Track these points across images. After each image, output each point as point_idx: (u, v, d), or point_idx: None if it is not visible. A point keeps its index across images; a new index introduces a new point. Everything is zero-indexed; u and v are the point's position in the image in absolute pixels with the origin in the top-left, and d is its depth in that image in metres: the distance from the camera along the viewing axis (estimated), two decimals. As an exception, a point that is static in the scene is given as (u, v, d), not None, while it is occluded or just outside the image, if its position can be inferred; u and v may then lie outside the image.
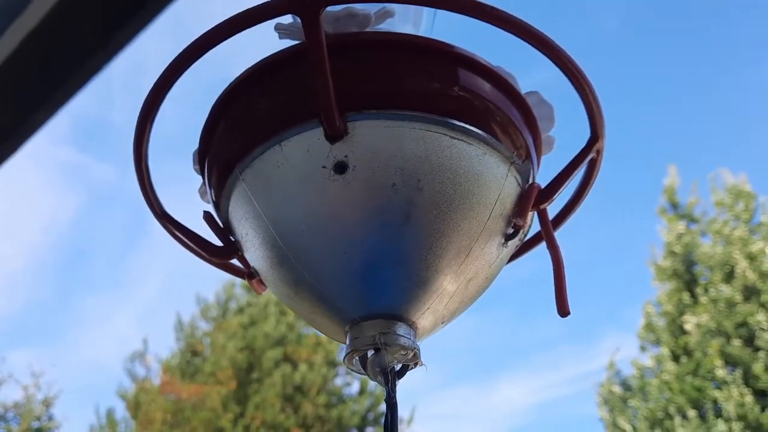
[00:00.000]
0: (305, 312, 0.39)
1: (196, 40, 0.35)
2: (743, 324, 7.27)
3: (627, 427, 7.63)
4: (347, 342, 0.36)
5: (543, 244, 0.40)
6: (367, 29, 0.36)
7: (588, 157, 0.40)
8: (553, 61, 0.37)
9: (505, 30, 0.35)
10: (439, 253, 0.35)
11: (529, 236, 0.43)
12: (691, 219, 8.16)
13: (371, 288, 0.36)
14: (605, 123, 0.40)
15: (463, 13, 0.34)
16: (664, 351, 7.63)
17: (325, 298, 0.37)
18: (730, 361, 7.20)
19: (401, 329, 0.36)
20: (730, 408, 6.85)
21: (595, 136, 0.40)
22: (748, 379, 7.07)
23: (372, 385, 8.68)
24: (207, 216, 0.41)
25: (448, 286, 0.36)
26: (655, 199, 8.47)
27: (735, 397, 6.83)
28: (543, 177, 0.41)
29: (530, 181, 0.39)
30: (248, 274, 0.42)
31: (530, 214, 0.39)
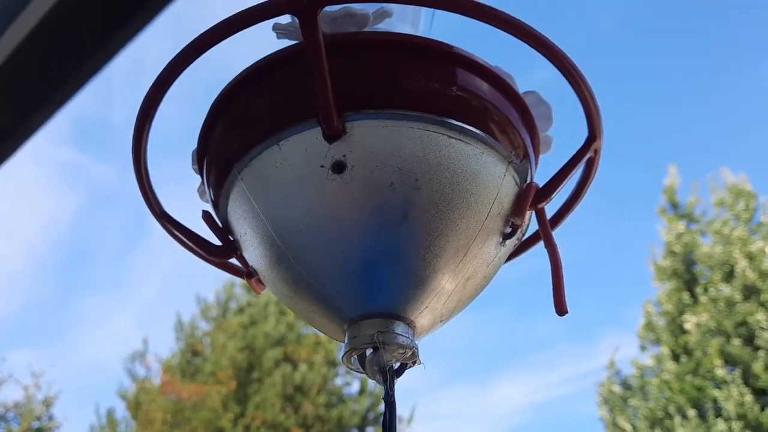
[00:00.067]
0: (304, 311, 0.39)
1: (195, 39, 0.35)
2: (743, 323, 7.27)
3: (627, 426, 7.63)
4: (346, 341, 0.37)
5: (541, 243, 0.40)
6: (365, 29, 0.36)
7: (586, 157, 0.40)
8: (550, 61, 0.37)
9: (503, 30, 0.35)
10: (437, 252, 0.35)
11: (527, 235, 0.43)
12: (691, 219, 8.16)
13: (369, 287, 0.36)
14: (603, 122, 0.40)
15: (462, 14, 0.34)
16: (664, 350, 7.64)
17: (324, 297, 0.37)
18: (729, 361, 7.20)
19: (399, 328, 0.36)
20: (729, 407, 6.85)
21: (593, 136, 0.40)
22: (748, 378, 7.07)
23: (372, 384, 8.69)
24: (206, 215, 0.41)
25: (446, 285, 0.36)
26: (655, 198, 8.48)
27: (735, 397, 6.84)
28: (541, 176, 0.41)
29: (528, 180, 0.39)
30: (247, 273, 0.42)
31: (528, 213, 0.39)
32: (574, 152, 0.40)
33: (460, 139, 0.35)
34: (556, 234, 0.42)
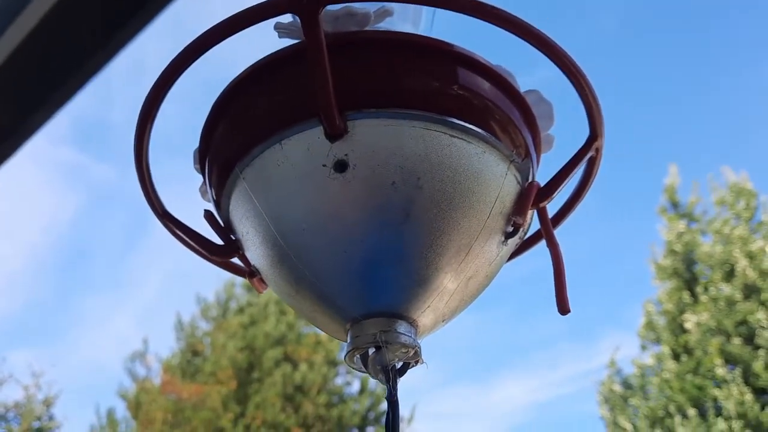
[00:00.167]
0: (306, 310, 0.39)
1: (196, 39, 0.35)
2: (743, 322, 7.27)
3: (628, 425, 7.63)
4: (348, 340, 0.37)
5: (543, 242, 0.40)
6: (366, 28, 0.36)
7: (587, 156, 0.40)
8: (552, 60, 0.37)
9: (505, 29, 0.35)
10: (439, 252, 0.35)
11: (528, 234, 0.43)
12: (691, 218, 8.16)
13: (372, 286, 0.36)
14: (604, 121, 0.40)
15: (464, 13, 0.34)
16: (665, 349, 7.64)
17: (326, 296, 0.37)
18: (730, 360, 7.20)
19: (402, 327, 0.36)
20: (730, 406, 6.85)
21: (594, 135, 0.40)
22: (748, 377, 7.07)
23: (372, 384, 8.68)
24: (208, 215, 0.41)
25: (448, 285, 0.36)
26: (656, 198, 8.48)
27: (735, 396, 6.84)
28: (542, 175, 0.41)
29: (530, 179, 0.39)
30: (249, 272, 0.42)
31: (530, 212, 0.39)
32: (576, 151, 0.40)
33: (461, 138, 0.35)
34: (557, 233, 0.42)
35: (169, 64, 0.36)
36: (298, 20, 0.34)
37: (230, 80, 0.38)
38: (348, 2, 0.34)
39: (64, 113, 1.16)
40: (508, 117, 0.37)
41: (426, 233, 0.35)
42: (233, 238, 0.40)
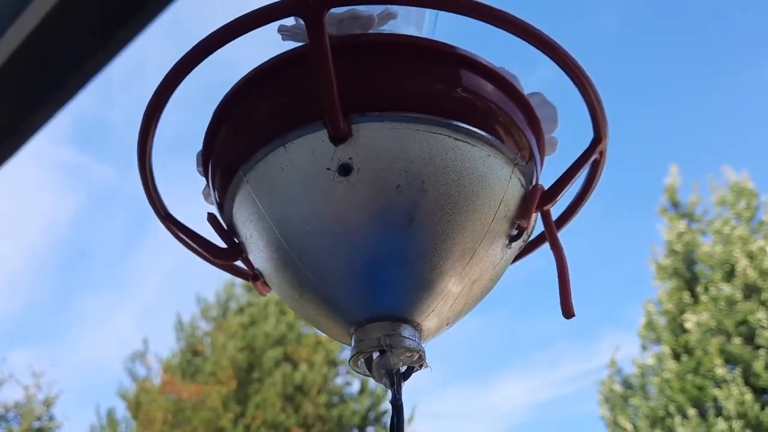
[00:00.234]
0: (310, 314, 0.39)
1: (199, 43, 0.35)
2: (743, 322, 7.27)
3: (628, 425, 7.63)
4: (352, 344, 0.36)
5: (546, 245, 0.40)
6: (370, 31, 0.36)
7: (591, 159, 0.40)
8: (556, 62, 0.37)
9: (508, 31, 0.35)
10: (443, 255, 0.35)
11: (532, 237, 0.43)
12: (691, 218, 8.16)
13: (376, 290, 0.36)
14: (608, 124, 0.40)
15: (469, 15, 0.34)
16: (665, 349, 7.64)
17: (330, 300, 0.36)
18: (730, 360, 7.20)
19: (406, 331, 0.36)
20: (730, 406, 6.85)
21: (598, 138, 0.40)
22: (749, 377, 7.07)
23: (372, 384, 8.68)
24: (211, 218, 0.41)
25: (452, 288, 0.36)
26: (656, 198, 8.48)
27: (735, 396, 6.84)
28: (546, 177, 0.41)
29: (534, 182, 0.39)
30: (253, 275, 0.42)
31: (534, 215, 0.39)
32: (580, 154, 0.40)
33: (466, 142, 0.35)
34: (560, 235, 0.42)
35: (173, 68, 0.36)
36: (302, 23, 0.34)
37: (233, 83, 0.38)
38: (352, 5, 0.34)
39: (64, 113, 1.16)
40: (512, 120, 0.37)
41: (430, 237, 0.35)
42: (236, 241, 0.40)
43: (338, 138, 0.34)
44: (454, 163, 0.35)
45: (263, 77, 0.37)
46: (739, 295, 7.32)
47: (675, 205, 8.25)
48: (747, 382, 7.06)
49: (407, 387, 0.37)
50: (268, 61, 0.36)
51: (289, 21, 0.36)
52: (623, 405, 7.84)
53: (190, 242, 0.42)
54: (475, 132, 0.35)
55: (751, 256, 7.38)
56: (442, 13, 0.41)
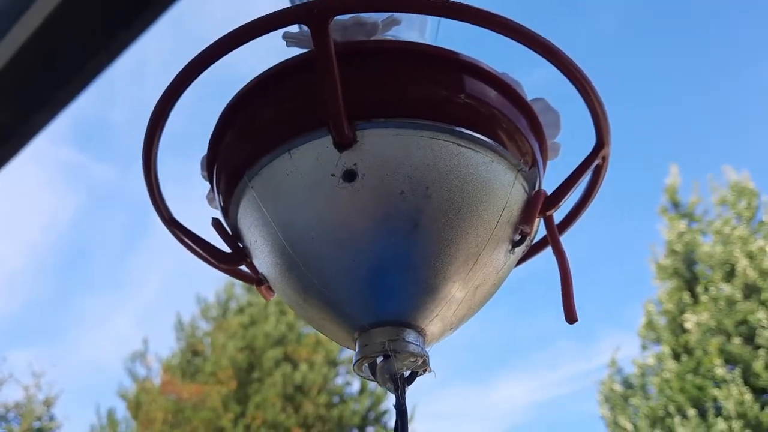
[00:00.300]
0: (314, 319, 0.39)
1: (204, 50, 0.35)
2: (743, 322, 7.27)
3: (628, 425, 7.63)
4: (357, 349, 0.37)
5: (549, 249, 0.40)
6: (374, 37, 0.37)
7: (594, 164, 0.40)
8: (559, 68, 0.37)
9: (512, 38, 0.35)
10: (447, 261, 0.35)
11: (534, 241, 0.43)
12: (692, 218, 8.16)
13: (380, 295, 0.36)
14: (611, 130, 0.40)
15: (472, 23, 0.34)
16: (665, 349, 7.64)
17: (335, 304, 0.37)
18: (730, 360, 7.20)
19: (410, 336, 0.36)
20: (729, 406, 6.85)
21: (601, 143, 0.40)
22: (748, 377, 7.07)
23: (372, 384, 8.68)
24: (215, 223, 0.41)
25: (456, 293, 0.36)
26: (657, 198, 8.49)
27: (735, 396, 6.84)
28: (548, 181, 0.42)
29: (537, 187, 0.39)
30: (257, 280, 0.42)
31: (537, 220, 0.39)
32: (582, 159, 0.40)
33: (470, 148, 0.35)
34: (562, 238, 0.42)
35: (177, 76, 0.36)
36: (307, 29, 0.34)
37: (239, 88, 0.38)
38: (357, 12, 0.34)
39: (64, 113, 1.16)
40: (515, 126, 0.37)
41: (434, 242, 0.35)
42: (241, 246, 0.41)
43: (343, 144, 0.34)
44: (458, 169, 0.35)
45: (268, 83, 0.37)
46: (739, 295, 7.32)
47: (675, 205, 8.25)
48: (747, 382, 7.06)
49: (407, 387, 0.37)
50: (273, 67, 0.37)
51: (294, 27, 0.37)
52: (623, 405, 7.84)
53: (194, 247, 0.42)
54: (478, 138, 0.35)
55: (751, 256, 7.38)
56: (444, 18, 0.41)
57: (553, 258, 0.39)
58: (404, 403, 0.35)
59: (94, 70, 1.08)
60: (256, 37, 0.34)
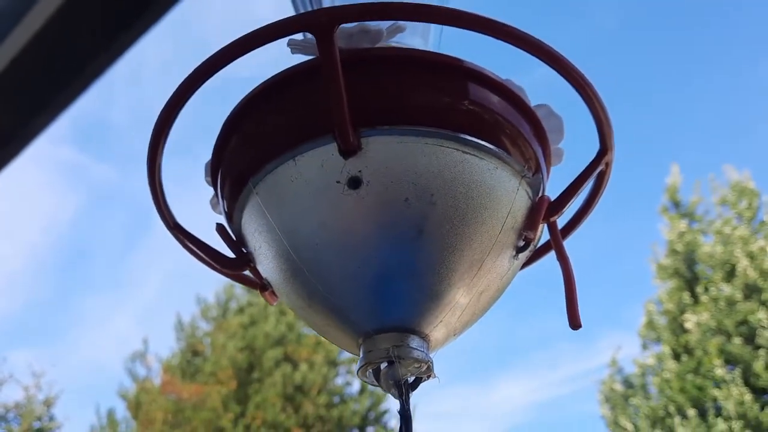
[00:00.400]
0: (318, 324, 0.39)
1: (208, 59, 0.35)
2: (743, 322, 7.28)
3: (628, 425, 7.63)
4: (361, 355, 0.37)
5: (551, 253, 0.41)
6: (379, 44, 0.37)
7: (597, 170, 0.40)
8: (562, 74, 0.37)
9: (515, 46, 0.35)
10: (451, 267, 0.35)
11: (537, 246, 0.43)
12: (692, 218, 8.17)
13: (385, 301, 0.36)
14: (614, 135, 0.40)
15: (476, 31, 0.34)
16: (665, 349, 7.65)
17: (339, 310, 0.37)
18: (730, 360, 7.21)
19: (414, 342, 0.36)
20: (729, 407, 6.85)
21: (604, 149, 0.40)
22: (749, 377, 7.08)
23: (373, 384, 8.67)
24: (219, 228, 0.41)
25: (460, 299, 0.36)
26: (657, 197, 8.49)
27: (735, 396, 6.84)
28: (551, 185, 0.42)
29: (540, 193, 0.40)
30: (261, 285, 0.42)
31: (540, 226, 0.39)
32: (586, 165, 0.40)
33: (474, 155, 0.35)
34: (566, 243, 0.42)
35: (182, 84, 0.36)
36: (312, 36, 0.34)
37: (244, 95, 0.38)
38: (363, 21, 0.34)
39: (64, 114, 1.16)
40: (519, 132, 0.37)
41: (439, 249, 0.35)
42: (245, 251, 0.41)
43: (348, 151, 0.34)
44: (463, 176, 0.35)
45: (274, 90, 0.37)
46: (739, 296, 7.33)
47: (676, 204, 8.26)
48: (747, 383, 7.06)
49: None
50: (278, 74, 0.37)
51: (298, 34, 0.37)
52: (624, 405, 7.85)
53: (198, 252, 0.42)
54: (483, 145, 0.36)
55: (751, 257, 7.39)
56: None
57: (554, 259, 0.40)
58: (409, 409, 0.35)
59: (94, 72, 1.09)
60: (262, 45, 0.34)
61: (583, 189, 0.41)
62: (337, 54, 0.33)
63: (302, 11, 0.45)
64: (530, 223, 0.38)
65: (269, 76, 0.37)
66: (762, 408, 6.85)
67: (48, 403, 8.79)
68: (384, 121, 0.34)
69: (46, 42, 1.06)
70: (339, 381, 9.05)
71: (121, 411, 9.11)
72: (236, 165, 0.38)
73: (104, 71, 1.09)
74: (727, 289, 7.40)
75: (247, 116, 0.38)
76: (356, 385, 9.04)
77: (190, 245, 0.42)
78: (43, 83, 1.14)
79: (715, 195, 8.06)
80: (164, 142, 0.39)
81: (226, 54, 0.35)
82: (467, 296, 0.37)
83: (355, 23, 0.35)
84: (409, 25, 0.42)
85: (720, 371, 7.03)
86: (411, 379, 0.37)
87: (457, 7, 0.34)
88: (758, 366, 6.95)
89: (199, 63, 0.36)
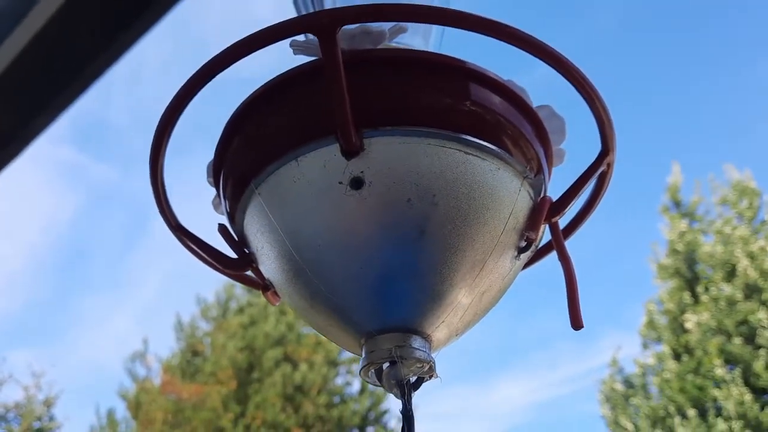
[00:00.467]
0: (321, 324, 0.39)
1: (211, 60, 0.35)
2: (744, 322, 7.28)
3: (629, 425, 7.63)
4: (363, 355, 0.37)
5: (553, 254, 0.41)
6: (381, 45, 0.37)
7: (599, 171, 0.40)
8: (564, 75, 0.37)
9: (518, 47, 0.35)
10: (453, 267, 0.35)
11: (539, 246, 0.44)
12: (693, 218, 8.17)
13: (387, 301, 0.36)
14: (616, 136, 0.40)
15: (479, 32, 0.34)
16: (666, 349, 7.65)
17: (341, 311, 0.37)
18: (730, 360, 7.21)
19: (417, 342, 0.36)
20: (729, 407, 6.85)
21: (606, 150, 0.40)
22: (749, 377, 7.08)
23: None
24: (222, 228, 0.41)
25: (462, 300, 0.37)
26: (658, 197, 8.49)
27: (735, 396, 6.84)
28: (552, 186, 0.42)
29: (542, 194, 0.40)
30: (263, 286, 0.42)
31: (542, 227, 0.39)
32: (588, 166, 0.40)
33: (476, 155, 0.35)
34: (567, 244, 0.42)
35: (184, 85, 0.37)
36: (314, 37, 0.34)
37: (247, 96, 0.38)
38: (364, 22, 0.34)
39: (64, 114, 1.16)
40: (521, 133, 0.37)
41: (441, 249, 0.35)
42: (247, 251, 0.41)
43: (350, 152, 0.34)
44: (465, 176, 0.35)
45: (276, 91, 0.37)
46: (739, 295, 7.33)
47: (677, 204, 8.26)
48: (747, 383, 7.06)
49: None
50: (280, 75, 0.37)
51: (301, 35, 0.37)
52: (624, 404, 7.85)
53: (201, 253, 0.42)
54: (485, 146, 0.36)
55: (751, 256, 7.39)
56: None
57: (554, 258, 0.40)
58: (410, 409, 0.36)
59: (93, 72, 1.09)
60: (264, 47, 0.34)
61: (585, 190, 0.41)
62: (339, 55, 0.33)
63: (304, 12, 0.45)
64: (532, 223, 0.38)
65: (271, 78, 0.37)
66: (762, 408, 6.85)
67: (48, 403, 8.79)
68: (386, 122, 0.35)
69: (46, 42, 1.06)
70: (339, 381, 9.05)
71: (121, 411, 9.12)
72: (239, 166, 0.38)
73: (104, 72, 1.09)
74: (727, 289, 7.40)
75: (249, 117, 0.38)
76: (356, 385, 9.05)
77: (193, 246, 0.42)
78: (42, 84, 1.14)
79: (715, 195, 8.06)
80: (166, 144, 0.39)
81: (229, 55, 0.35)
82: (469, 296, 0.37)
83: (357, 24, 0.35)
84: (411, 26, 0.42)
85: (720, 371, 7.03)
86: (413, 379, 0.37)
87: (462, 9, 0.34)
88: (758, 366, 6.95)
89: (201, 64, 0.36)
